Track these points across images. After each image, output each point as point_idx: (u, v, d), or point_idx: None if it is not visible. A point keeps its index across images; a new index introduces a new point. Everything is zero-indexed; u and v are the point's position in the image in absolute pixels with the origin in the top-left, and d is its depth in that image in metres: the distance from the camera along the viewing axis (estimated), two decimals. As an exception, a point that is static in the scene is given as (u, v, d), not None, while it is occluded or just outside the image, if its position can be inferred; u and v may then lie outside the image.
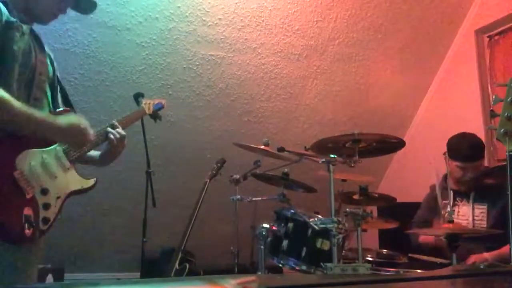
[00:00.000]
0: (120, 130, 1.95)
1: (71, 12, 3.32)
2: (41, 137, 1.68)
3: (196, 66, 3.76)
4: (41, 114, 1.67)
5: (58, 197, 1.74)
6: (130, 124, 2.11)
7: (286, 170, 2.88)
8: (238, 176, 3.35)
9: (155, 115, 2.34)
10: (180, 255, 3.49)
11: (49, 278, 3.56)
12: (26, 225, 1.59)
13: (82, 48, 3.43)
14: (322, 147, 2.59)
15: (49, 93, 1.82)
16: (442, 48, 4.31)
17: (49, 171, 1.71)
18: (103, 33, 3.42)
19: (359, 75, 4.24)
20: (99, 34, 3.42)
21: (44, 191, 1.68)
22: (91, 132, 1.77)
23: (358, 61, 4.16)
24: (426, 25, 4.12)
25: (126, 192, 3.94)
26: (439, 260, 2.74)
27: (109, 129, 1.94)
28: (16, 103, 1.56)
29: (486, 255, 2.65)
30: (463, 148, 2.83)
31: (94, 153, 2.00)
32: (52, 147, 1.74)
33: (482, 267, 1.24)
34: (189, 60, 3.72)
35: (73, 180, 1.84)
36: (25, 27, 1.69)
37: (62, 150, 1.77)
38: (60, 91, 1.90)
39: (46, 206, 1.68)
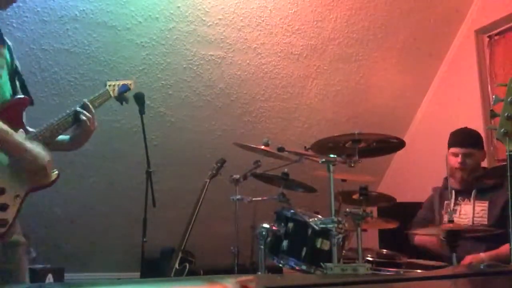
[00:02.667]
0: (91, 108, 1.87)
1: (71, 12, 3.34)
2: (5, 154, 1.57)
3: (196, 66, 3.76)
4: (16, 136, 1.58)
5: (16, 196, 1.60)
6: (96, 107, 1.96)
7: (286, 170, 2.88)
8: (238, 176, 3.35)
9: (121, 98, 2.16)
10: (180, 255, 3.49)
11: (49, 278, 3.56)
12: None
13: (82, 48, 3.43)
14: (322, 147, 2.59)
15: (8, 85, 1.71)
16: (442, 48, 4.31)
17: (5, 168, 1.57)
18: (103, 33, 3.42)
19: (359, 75, 4.24)
20: (99, 34, 3.42)
21: (1, 191, 1.54)
22: (50, 171, 1.68)
23: (358, 61, 4.16)
24: (426, 25, 4.12)
25: (126, 192, 3.94)
26: (434, 263, 2.75)
27: (80, 109, 1.84)
28: None
29: (482, 255, 2.66)
30: (459, 133, 2.99)
31: (62, 137, 1.87)
32: None
33: (482, 267, 1.24)
34: (189, 60, 3.72)
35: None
36: None
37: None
38: (18, 80, 1.77)
39: (4, 207, 1.54)
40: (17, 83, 1.76)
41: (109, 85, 2.12)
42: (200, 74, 3.80)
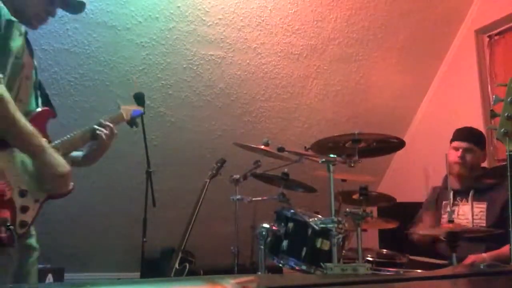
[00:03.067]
0: (111, 125, 1.93)
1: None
2: (28, 156, 1.62)
3: (196, 66, 3.76)
4: (40, 139, 1.62)
5: (36, 200, 1.67)
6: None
7: (286, 170, 2.88)
8: (238, 176, 3.35)
9: (132, 122, 2.27)
10: (180, 255, 3.49)
11: (49, 278, 3.56)
12: (2, 228, 1.52)
13: (82, 48, 3.43)
14: (322, 147, 2.59)
15: (33, 98, 1.79)
16: (442, 48, 4.31)
17: (29, 172, 1.63)
18: (103, 33, 3.42)
19: (359, 75, 4.24)
20: (99, 34, 3.42)
21: (23, 193, 1.61)
22: (71, 183, 1.72)
23: (358, 61, 4.16)
24: (426, 25, 4.12)
25: (126, 192, 3.94)
26: (437, 262, 2.75)
27: (97, 127, 1.91)
28: (20, 117, 1.55)
29: (484, 255, 2.66)
30: (463, 129, 3.02)
31: (76, 153, 1.95)
32: None
33: (482, 267, 1.24)
34: (189, 60, 3.72)
35: None
36: (23, 28, 1.68)
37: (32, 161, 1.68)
38: (40, 95, 1.86)
39: (24, 209, 1.61)
40: (39, 98, 1.85)
41: (123, 109, 2.23)
42: (200, 74, 3.80)
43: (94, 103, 3.61)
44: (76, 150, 1.90)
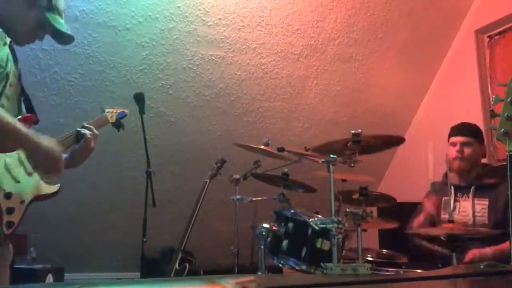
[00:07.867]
0: (93, 129, 1.97)
1: (71, 12, 3.33)
2: (22, 150, 1.69)
3: (196, 66, 3.76)
4: (26, 128, 1.69)
5: (22, 201, 1.72)
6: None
7: (286, 170, 2.88)
8: (238, 176, 3.35)
9: (118, 124, 2.27)
10: (180, 255, 3.49)
11: (49, 278, 3.56)
12: None
13: (82, 48, 3.43)
14: (322, 147, 2.59)
15: (15, 102, 1.83)
16: (442, 48, 4.30)
17: (12, 175, 1.69)
18: (103, 33, 3.42)
19: (359, 75, 4.23)
20: (99, 34, 3.42)
21: (8, 195, 1.66)
22: (63, 162, 1.80)
23: (358, 61, 4.16)
24: (426, 25, 4.12)
25: (126, 192, 3.94)
26: (438, 248, 2.73)
27: (82, 130, 1.95)
28: (3, 113, 1.59)
29: (487, 250, 2.65)
30: (458, 124, 3.04)
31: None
32: (15, 151, 1.72)
33: (482, 267, 1.24)
34: (189, 60, 3.72)
35: (37, 185, 1.81)
36: (7, 38, 1.73)
37: (25, 154, 1.75)
38: (23, 100, 1.90)
39: (10, 210, 1.66)
40: (22, 104, 1.89)
41: (107, 112, 2.23)
42: (200, 74, 3.80)
43: (94, 103, 3.61)
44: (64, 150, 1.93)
